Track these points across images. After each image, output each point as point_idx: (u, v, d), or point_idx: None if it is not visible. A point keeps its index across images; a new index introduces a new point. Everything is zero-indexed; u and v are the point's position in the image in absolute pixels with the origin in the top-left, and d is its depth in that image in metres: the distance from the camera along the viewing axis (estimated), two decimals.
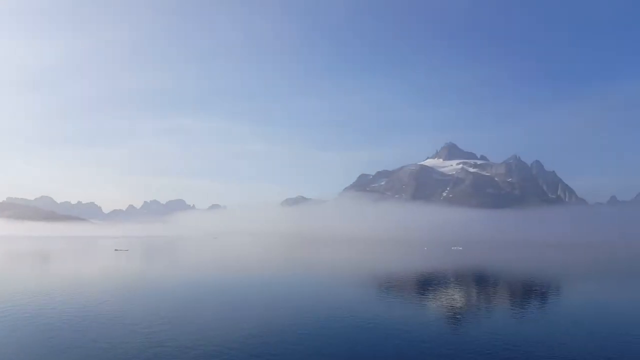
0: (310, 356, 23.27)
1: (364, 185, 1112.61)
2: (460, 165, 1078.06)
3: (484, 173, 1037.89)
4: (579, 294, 52.93)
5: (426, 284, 57.72)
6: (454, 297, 45.32)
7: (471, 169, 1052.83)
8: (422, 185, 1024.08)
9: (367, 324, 30.97)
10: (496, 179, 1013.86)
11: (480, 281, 63.40)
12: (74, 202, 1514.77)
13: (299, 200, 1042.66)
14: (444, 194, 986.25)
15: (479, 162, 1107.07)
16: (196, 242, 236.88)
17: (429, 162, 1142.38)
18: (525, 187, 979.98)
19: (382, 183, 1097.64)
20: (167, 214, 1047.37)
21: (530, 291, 52.17)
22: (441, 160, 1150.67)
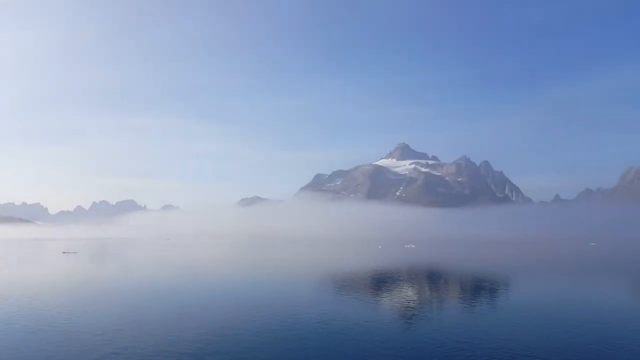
0: (262, 356, 23.19)
1: (319, 185, 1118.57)
2: (413, 166, 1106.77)
3: (435, 173, 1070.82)
4: (524, 289, 56.04)
5: (380, 281, 59.03)
6: (407, 294, 46.75)
7: (423, 169, 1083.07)
8: (377, 185, 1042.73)
9: (322, 323, 31.04)
10: (447, 178, 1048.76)
11: (432, 278, 65.67)
12: (18, 203, 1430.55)
13: (255, 200, 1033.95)
14: (398, 193, 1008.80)
15: (430, 162, 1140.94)
16: (148, 244, 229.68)
17: (383, 162, 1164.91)
18: (475, 186, 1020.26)
19: (338, 183, 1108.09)
20: (118, 215, 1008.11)
21: (479, 287, 54.67)
22: (395, 160, 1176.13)
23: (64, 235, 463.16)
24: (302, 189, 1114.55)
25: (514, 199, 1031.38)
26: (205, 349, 24.33)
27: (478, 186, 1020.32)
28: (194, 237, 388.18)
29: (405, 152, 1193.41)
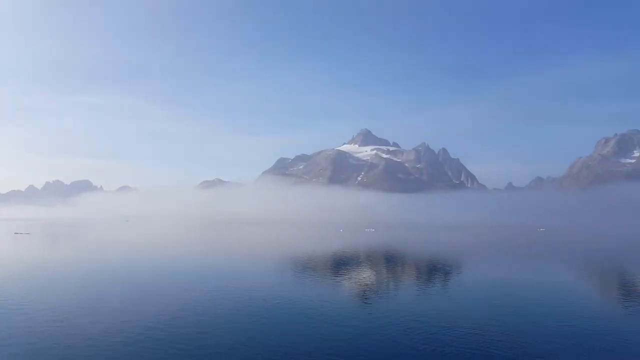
0: (221, 337, 23.74)
1: (282, 168, 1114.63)
2: (374, 151, 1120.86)
3: (396, 159, 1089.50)
4: (476, 271, 59.66)
5: (341, 264, 60.98)
6: (367, 275, 48.88)
7: (384, 155, 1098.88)
8: (339, 170, 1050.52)
9: (283, 304, 32.19)
10: (406, 164, 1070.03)
11: (391, 260, 68.46)
12: None
13: (216, 183, 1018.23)
14: (359, 179, 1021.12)
15: (391, 148, 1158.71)
16: (105, 226, 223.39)
17: (346, 148, 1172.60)
18: (432, 173, 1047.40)
19: (301, 167, 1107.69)
20: (72, 195, 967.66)
21: (434, 269, 57.74)
22: (357, 146, 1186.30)
23: (15, 215, 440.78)
24: (265, 172, 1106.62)
25: (469, 185, 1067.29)
26: (165, 331, 24.85)
27: (436, 173, 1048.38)
28: (152, 219, 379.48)
29: (367, 138, 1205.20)
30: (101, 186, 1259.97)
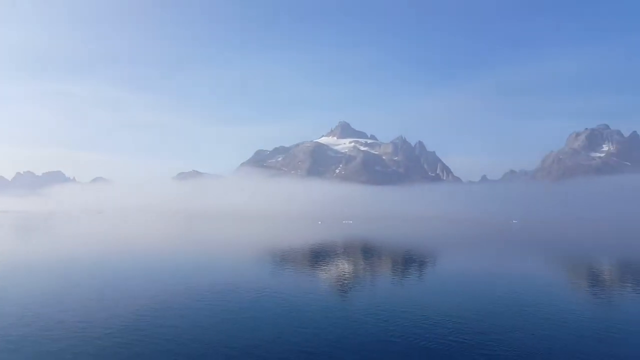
0: (198, 332, 23.67)
1: (260, 160, 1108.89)
2: (353, 144, 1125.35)
3: (373, 152, 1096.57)
4: (450, 262, 60.96)
5: (319, 256, 61.38)
6: (344, 267, 49.40)
7: (362, 148, 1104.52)
8: (317, 162, 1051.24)
9: (260, 298, 32.21)
10: (384, 157, 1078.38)
11: (368, 252, 69.28)
12: None
13: (193, 174, 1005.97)
14: (337, 171, 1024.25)
15: (369, 141, 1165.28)
16: (78, 218, 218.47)
17: (324, 140, 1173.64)
18: (409, 165, 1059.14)
19: (279, 159, 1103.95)
20: (44, 186, 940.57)
21: (410, 260, 58.73)
22: (335, 138, 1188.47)
23: None
24: (243, 164, 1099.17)
25: (444, 178, 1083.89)
26: (139, 326, 24.61)
27: (412, 165, 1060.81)
28: (127, 212, 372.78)
29: (345, 130, 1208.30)
30: (74, 177, 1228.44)
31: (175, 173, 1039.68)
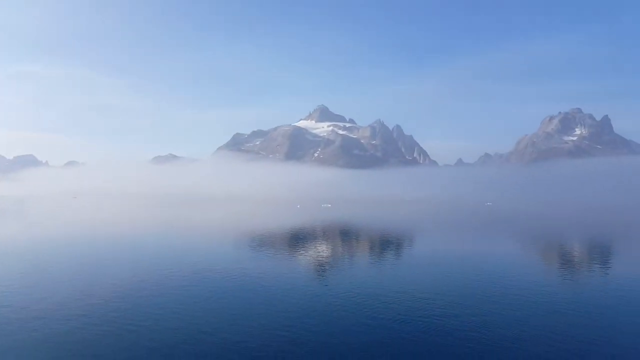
0: (175, 316, 23.49)
1: (238, 144, 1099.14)
2: (331, 128, 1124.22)
3: (352, 135, 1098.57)
4: (426, 243, 62.07)
5: (298, 239, 61.64)
6: (323, 250, 49.74)
7: (340, 131, 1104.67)
8: (295, 146, 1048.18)
9: (238, 281, 32.17)
10: (362, 141, 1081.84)
11: (347, 235, 69.85)
12: None
13: (170, 158, 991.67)
14: (316, 155, 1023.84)
15: (347, 124, 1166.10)
16: (51, 202, 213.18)
17: (302, 124, 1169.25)
18: (387, 149, 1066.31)
19: (257, 143, 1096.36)
20: (15, 170, 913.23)
21: (388, 242, 59.52)
22: (313, 122, 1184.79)
23: None
24: (220, 148, 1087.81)
25: (421, 161, 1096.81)
26: (114, 310, 24.35)
27: (390, 149, 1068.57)
28: (102, 196, 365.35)
29: (323, 114, 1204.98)
30: (46, 161, 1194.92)
31: (151, 157, 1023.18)
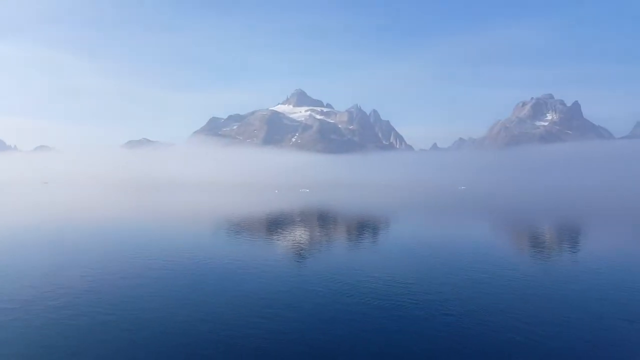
0: (151, 303, 23.29)
1: (215, 129, 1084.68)
2: (309, 112, 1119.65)
3: (329, 120, 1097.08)
4: (402, 227, 63.18)
5: (276, 224, 61.69)
6: (301, 235, 50.05)
7: (318, 116, 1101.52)
8: (273, 130, 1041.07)
9: (217, 266, 32.09)
10: (339, 126, 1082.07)
11: (324, 219, 70.37)
12: None
13: (144, 143, 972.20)
14: (293, 140, 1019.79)
15: (325, 109, 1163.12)
16: (22, 188, 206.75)
17: (280, 108, 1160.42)
18: (364, 134, 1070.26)
19: (234, 127, 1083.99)
20: None
21: (364, 226, 60.32)
22: (291, 106, 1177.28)
23: None
24: (196, 132, 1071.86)
25: (397, 146, 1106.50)
26: (89, 298, 24.08)
27: (367, 134, 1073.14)
28: (74, 182, 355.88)
29: (301, 98, 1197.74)
30: (15, 146, 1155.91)
31: (125, 141, 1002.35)
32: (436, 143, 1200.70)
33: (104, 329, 19.07)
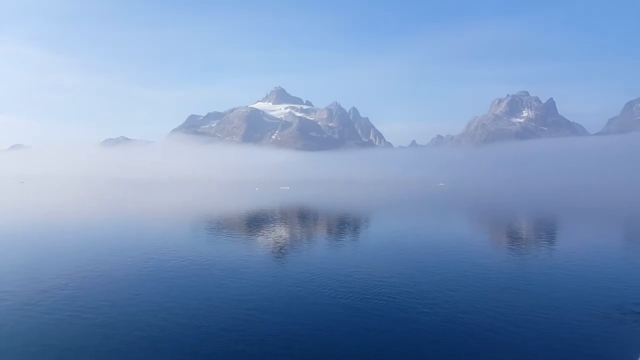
0: (131, 303, 23.06)
1: (194, 126, 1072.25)
2: (288, 110, 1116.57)
3: (309, 117, 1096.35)
4: (382, 223, 64.01)
5: (257, 222, 61.41)
6: (282, 232, 50.14)
7: (298, 114, 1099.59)
8: (253, 128, 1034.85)
9: (197, 265, 31.81)
10: (319, 123, 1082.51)
11: (305, 217, 70.60)
12: None
13: (121, 140, 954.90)
14: (273, 137, 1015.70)
15: (304, 107, 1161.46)
16: None
17: (259, 105, 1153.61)
18: (344, 131, 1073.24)
19: (213, 125, 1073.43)
20: None
21: (345, 223, 60.85)
22: (271, 104, 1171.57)
23: None
24: (174, 130, 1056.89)
25: (377, 143, 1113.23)
26: (69, 297, 23.73)
27: (347, 131, 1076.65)
28: (51, 180, 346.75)
29: (281, 96, 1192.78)
30: None
31: (102, 139, 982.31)
32: (415, 140, 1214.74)
33: (77, 333, 18.64)
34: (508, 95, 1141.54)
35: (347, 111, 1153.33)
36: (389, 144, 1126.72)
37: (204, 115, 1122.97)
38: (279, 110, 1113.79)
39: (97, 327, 19.15)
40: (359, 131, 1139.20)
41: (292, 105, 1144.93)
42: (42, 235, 47.96)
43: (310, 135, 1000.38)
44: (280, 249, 39.87)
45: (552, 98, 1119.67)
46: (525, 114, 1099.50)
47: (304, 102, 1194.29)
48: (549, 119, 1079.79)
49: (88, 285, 25.79)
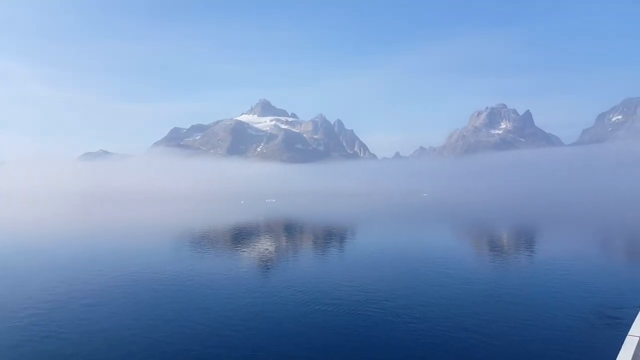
0: (112, 321, 22.91)
1: (177, 139, 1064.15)
2: (274, 122, 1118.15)
3: (294, 130, 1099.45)
4: (366, 235, 64.87)
5: (243, 235, 61.60)
6: (268, 245, 50.54)
7: (283, 126, 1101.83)
8: (237, 141, 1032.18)
9: (181, 280, 31.86)
10: (304, 135, 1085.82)
11: (291, 229, 71.05)
12: None
13: (101, 154, 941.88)
14: (258, 149, 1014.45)
15: (289, 119, 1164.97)
16: None
17: (244, 118, 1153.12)
18: (329, 143, 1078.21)
19: (197, 137, 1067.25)
20: None
21: (330, 235, 61.54)
22: (256, 116, 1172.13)
23: None
24: (156, 143, 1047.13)
25: (361, 155, 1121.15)
26: (47, 317, 23.57)
27: (331, 143, 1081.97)
28: (27, 197, 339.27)
29: (266, 108, 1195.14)
30: None
31: (81, 153, 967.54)
32: (399, 152, 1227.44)
33: (56, 352, 18.63)
34: (487, 107, 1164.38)
35: (332, 123, 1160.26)
36: (373, 156, 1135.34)
37: (187, 127, 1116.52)
38: (264, 123, 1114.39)
39: (71, 352, 18.85)
40: (344, 143, 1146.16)
41: (277, 117, 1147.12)
42: (16, 254, 47.27)
43: (295, 148, 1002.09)
44: (266, 263, 40.27)
45: (529, 110, 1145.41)
46: (503, 125, 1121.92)
47: (289, 115, 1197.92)
48: (526, 130, 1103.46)
49: (62, 307, 25.42)
